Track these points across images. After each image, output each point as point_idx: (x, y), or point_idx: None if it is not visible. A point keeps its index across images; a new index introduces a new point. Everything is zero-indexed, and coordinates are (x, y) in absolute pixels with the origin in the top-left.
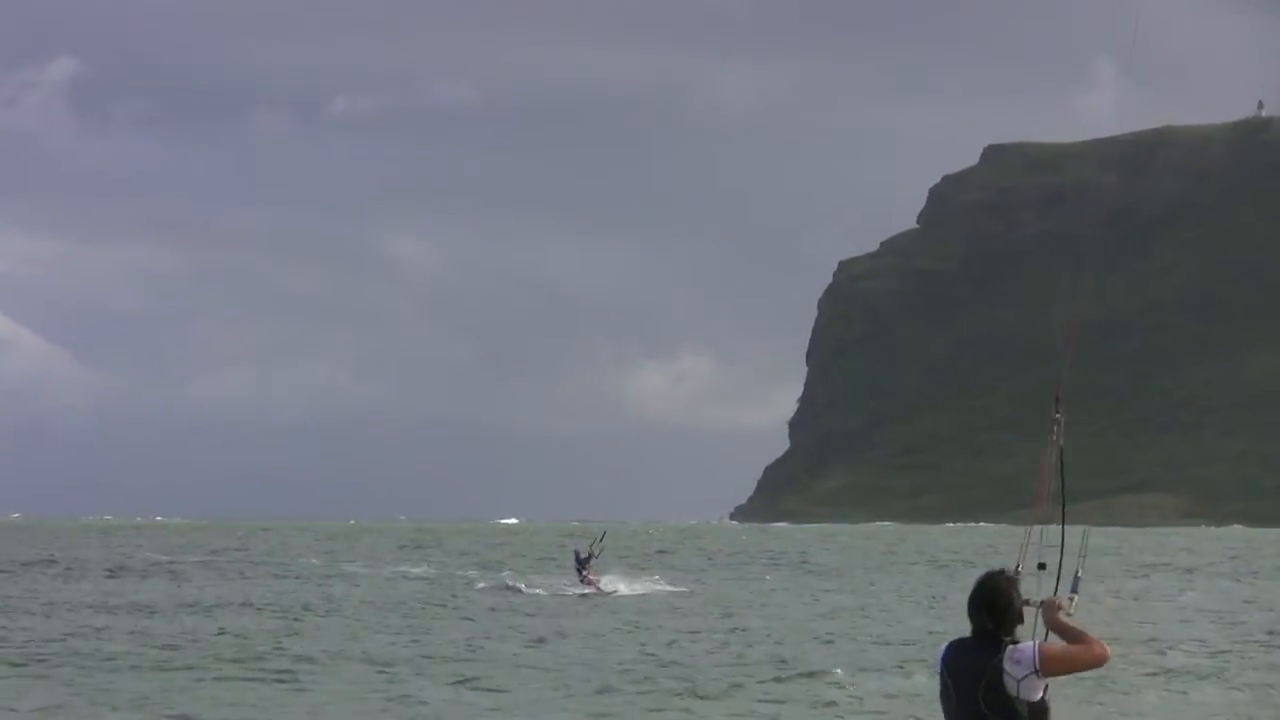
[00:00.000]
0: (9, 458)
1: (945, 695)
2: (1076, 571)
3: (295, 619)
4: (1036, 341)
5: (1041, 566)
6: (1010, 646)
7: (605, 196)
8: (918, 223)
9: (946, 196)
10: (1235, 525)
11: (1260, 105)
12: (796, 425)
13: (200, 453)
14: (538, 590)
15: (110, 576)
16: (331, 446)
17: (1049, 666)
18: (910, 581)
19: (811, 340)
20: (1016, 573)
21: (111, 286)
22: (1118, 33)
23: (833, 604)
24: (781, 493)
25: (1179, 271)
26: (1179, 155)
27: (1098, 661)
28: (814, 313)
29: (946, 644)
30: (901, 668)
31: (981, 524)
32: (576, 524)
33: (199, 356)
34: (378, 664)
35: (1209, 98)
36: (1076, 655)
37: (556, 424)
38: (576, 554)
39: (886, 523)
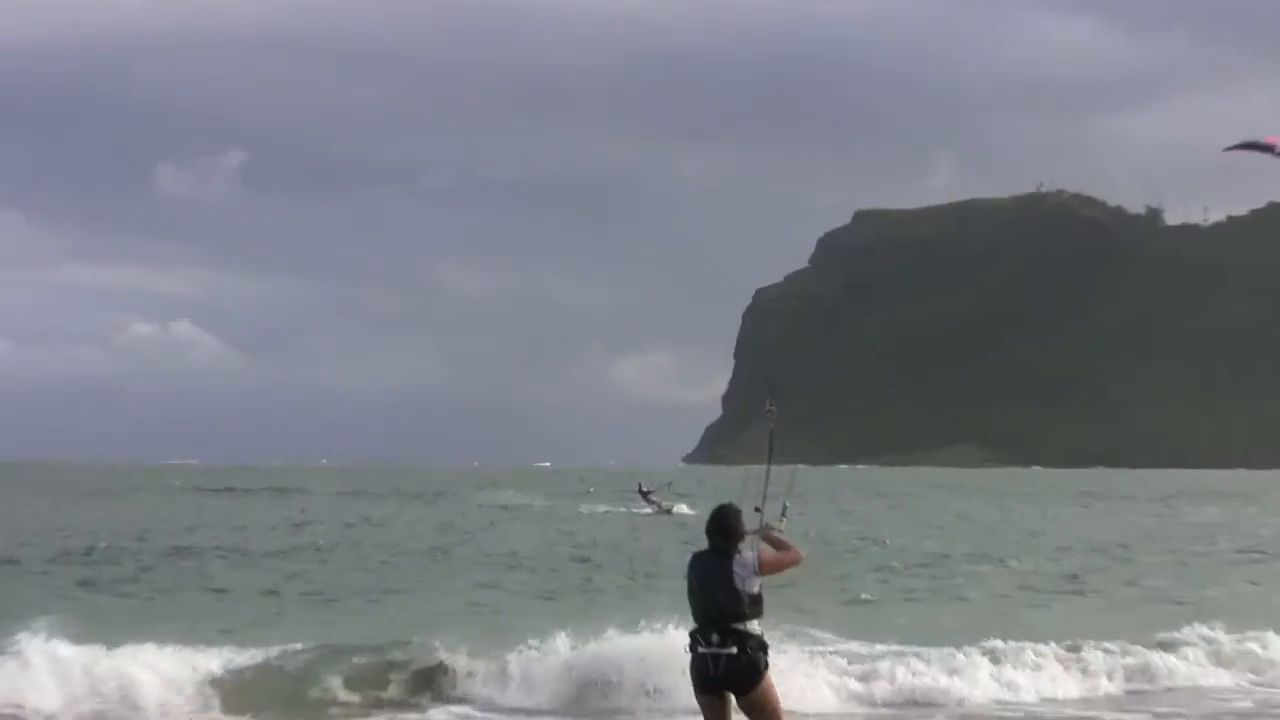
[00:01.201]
0: (200, 418)
1: (691, 593)
2: (784, 502)
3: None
4: (891, 343)
5: (763, 509)
6: (737, 555)
7: (599, 244)
8: (809, 263)
9: (830, 244)
10: (1035, 467)
11: (1040, 185)
12: (727, 399)
13: (327, 418)
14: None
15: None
16: (413, 415)
17: (764, 568)
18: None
19: (737, 342)
20: (760, 508)
21: (267, 304)
22: (948, 133)
23: (861, 513)
24: (716, 445)
25: (991, 293)
26: (986, 218)
27: (796, 562)
28: (739, 322)
29: (691, 555)
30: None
31: (859, 465)
32: (588, 466)
33: (326, 352)
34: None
35: (1005, 178)
36: (783, 559)
37: (564, 398)
38: (640, 486)
39: (800, 465)
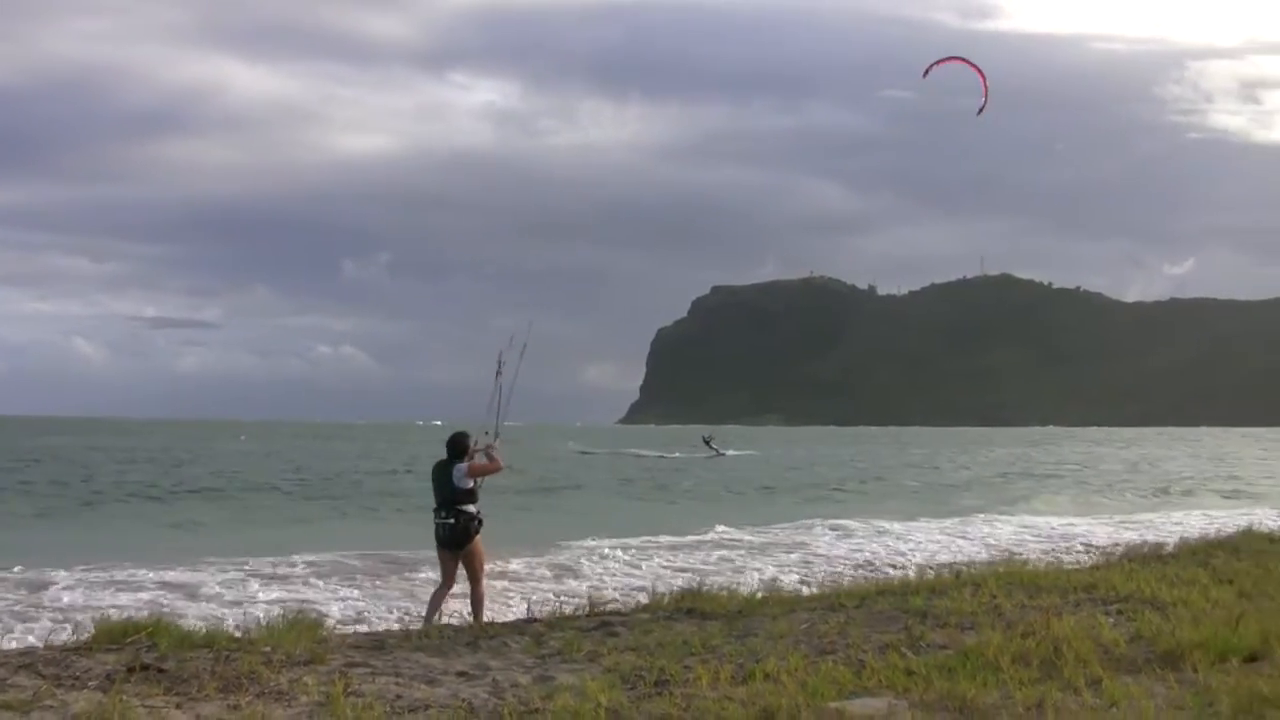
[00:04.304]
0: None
1: (433, 483)
2: (496, 433)
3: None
4: (746, 366)
5: (707, 442)
6: (459, 463)
7: (570, 305)
8: (688, 314)
9: (704, 301)
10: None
11: (811, 272)
12: (642, 388)
13: (421, 400)
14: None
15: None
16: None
17: (473, 471)
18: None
19: (649, 357)
20: (484, 447)
21: (395, 335)
22: (770, 246)
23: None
24: (636, 413)
25: (785, 330)
26: (784, 289)
27: (498, 469)
28: (647, 347)
29: (435, 462)
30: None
31: (726, 425)
32: (580, 424)
33: (425, 360)
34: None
35: (788, 263)
36: (488, 466)
37: (565, 387)
38: (703, 437)
39: (681, 425)
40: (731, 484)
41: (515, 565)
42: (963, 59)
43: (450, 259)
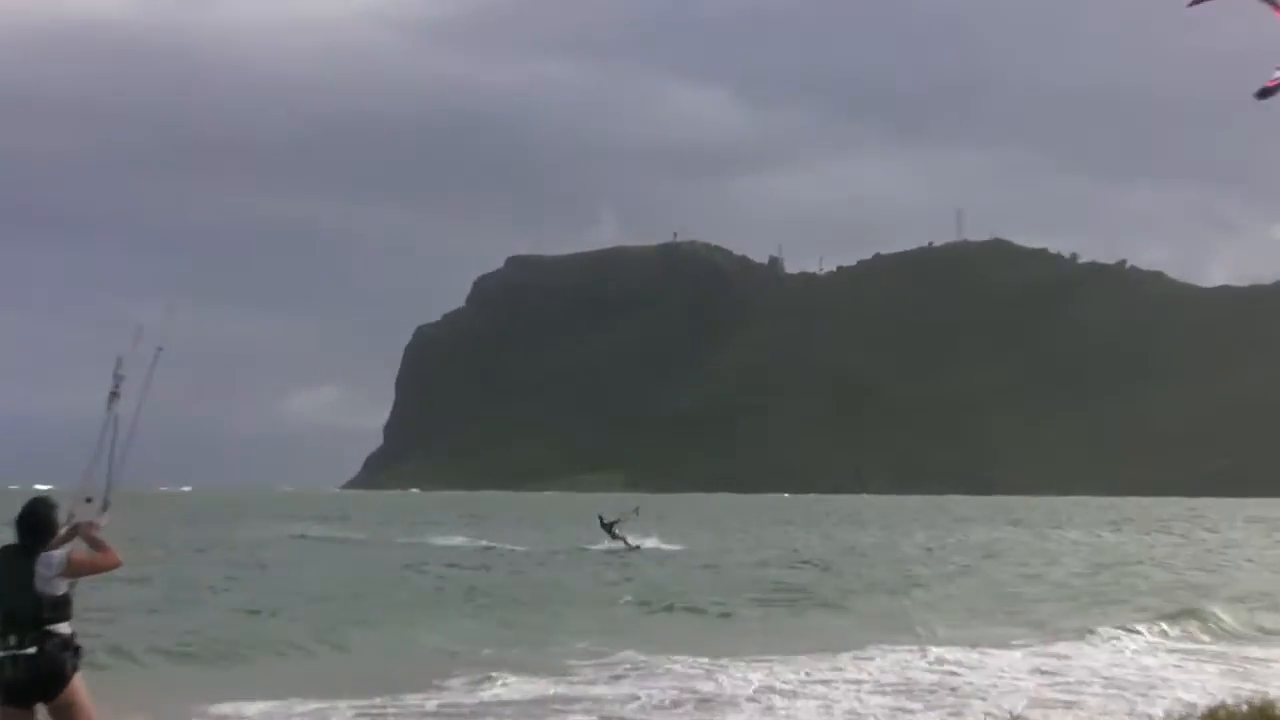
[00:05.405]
0: None
1: None
2: (106, 497)
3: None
4: (535, 376)
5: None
6: (44, 554)
7: (276, 285)
8: (466, 303)
9: (494, 281)
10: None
11: (675, 235)
12: (388, 429)
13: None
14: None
15: None
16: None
17: (73, 569)
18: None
19: (399, 375)
20: (83, 525)
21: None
22: (599, 190)
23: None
24: (378, 471)
25: (632, 334)
26: (630, 265)
27: (114, 564)
28: (401, 358)
29: None
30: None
31: (507, 491)
32: (263, 488)
33: None
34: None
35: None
36: (97, 560)
37: (256, 426)
38: (601, 518)
39: (458, 491)
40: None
41: None
42: None
43: (46, 203)
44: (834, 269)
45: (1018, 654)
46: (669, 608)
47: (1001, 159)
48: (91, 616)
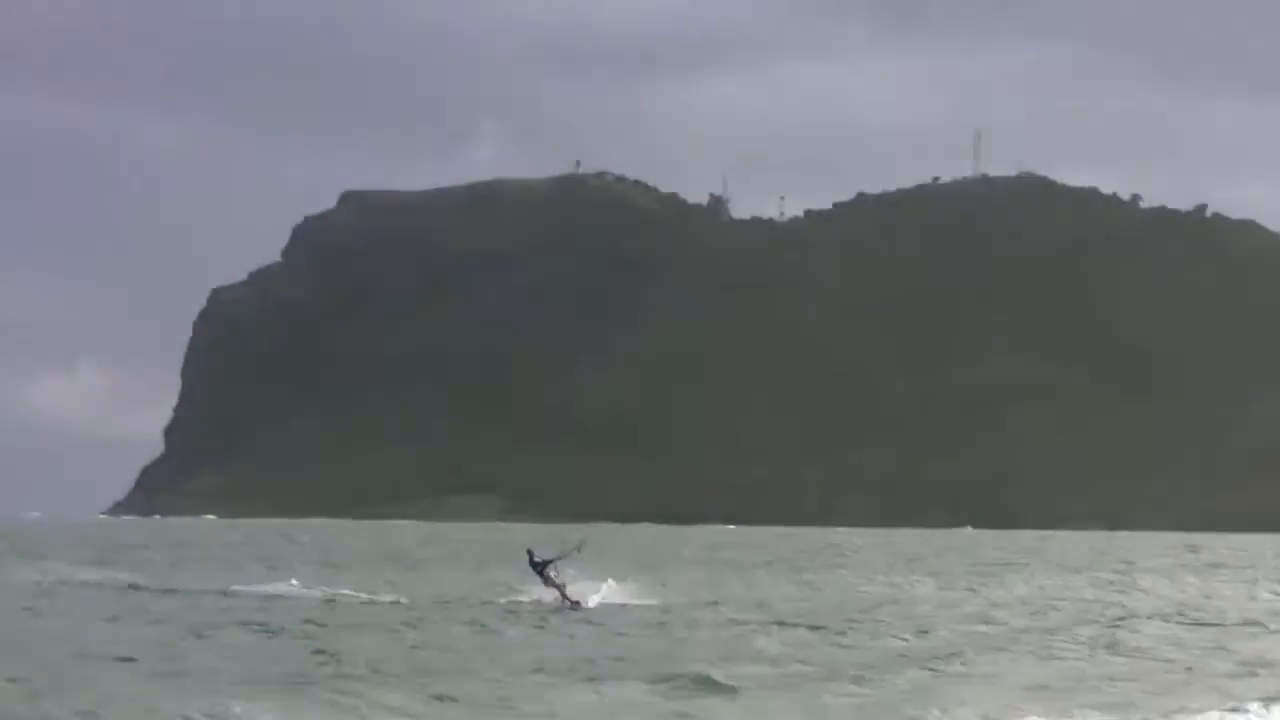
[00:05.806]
0: None
1: None
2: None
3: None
4: (384, 363)
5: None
6: None
7: (17, 227)
8: (282, 257)
9: (308, 234)
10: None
11: (578, 164)
12: (171, 433)
13: None
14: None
15: None
16: None
17: None
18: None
19: (186, 358)
20: None
21: None
22: (471, 101)
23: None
24: (158, 490)
25: (515, 301)
26: (511, 205)
27: None
28: (190, 333)
29: None
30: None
31: (347, 520)
32: (34, 514)
33: None
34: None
35: (539, 157)
36: None
37: None
38: (531, 555)
39: (272, 519)
40: None
41: None
42: None
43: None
44: (799, 214)
45: None
46: None
47: (1035, 62)
48: None
